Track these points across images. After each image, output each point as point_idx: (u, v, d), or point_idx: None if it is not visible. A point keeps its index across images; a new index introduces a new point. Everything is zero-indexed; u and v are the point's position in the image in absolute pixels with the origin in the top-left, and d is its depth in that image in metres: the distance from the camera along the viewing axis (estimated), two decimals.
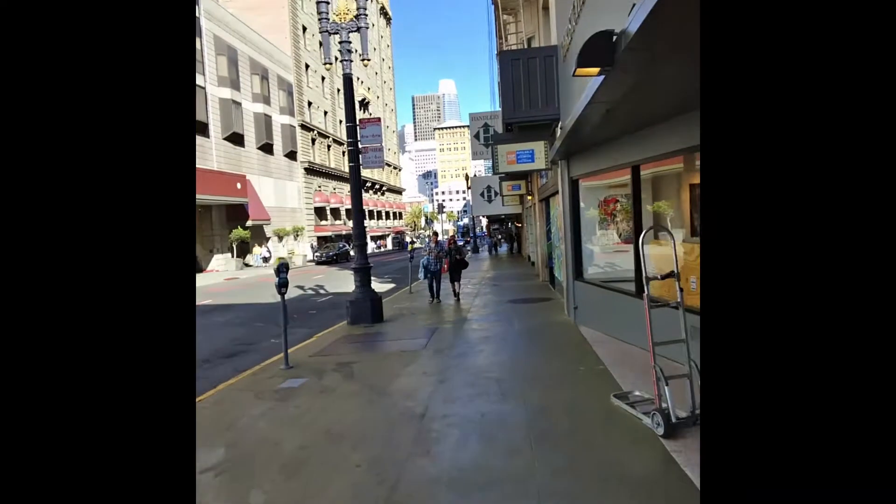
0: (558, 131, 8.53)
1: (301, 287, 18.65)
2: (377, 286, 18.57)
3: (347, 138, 9.81)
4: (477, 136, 22.12)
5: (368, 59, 10.61)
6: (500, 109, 9.79)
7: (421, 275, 12.18)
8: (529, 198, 17.61)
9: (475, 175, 37.19)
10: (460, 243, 28.18)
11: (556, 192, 10.61)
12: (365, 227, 10.02)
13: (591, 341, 6.83)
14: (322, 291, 17.07)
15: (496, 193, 24.36)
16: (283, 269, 6.60)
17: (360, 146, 9.90)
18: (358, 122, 9.88)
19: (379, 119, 10.20)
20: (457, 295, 12.02)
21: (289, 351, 7.55)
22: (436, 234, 13.52)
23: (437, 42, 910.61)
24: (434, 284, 11.86)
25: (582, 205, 8.36)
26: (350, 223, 51.99)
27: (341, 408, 4.89)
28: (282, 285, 6.58)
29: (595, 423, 4.06)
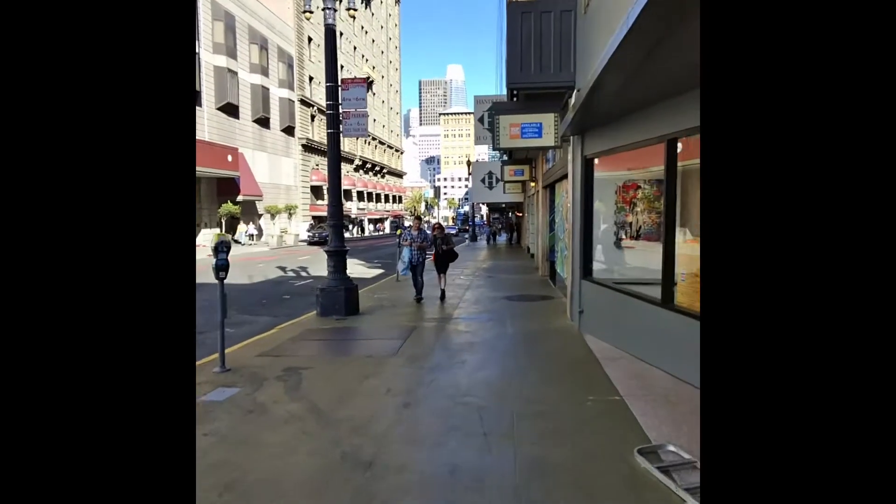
0: (571, 101, 7.19)
1: (282, 268, 17.38)
2: (364, 270, 17.34)
3: (327, 101, 8.43)
4: (481, 120, 20.67)
5: (355, 10, 9.21)
6: (506, 93, 8.44)
7: (405, 271, 9.71)
8: (532, 184, 16.26)
9: (477, 160, 35.75)
10: (452, 231, 26.43)
11: (564, 177, 9.28)
12: (342, 206, 8.69)
13: (599, 357, 5.54)
14: (303, 274, 15.79)
15: (497, 180, 23.01)
16: (222, 248, 5.28)
17: (340, 110, 8.54)
18: (340, 83, 8.50)
19: (364, 80, 8.81)
20: (442, 292, 9.94)
21: (237, 346, 6.34)
22: (419, 218, 10.32)
23: (447, 25, 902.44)
24: (419, 279, 9.73)
25: (595, 191, 7.03)
26: (347, 204, 50.93)
27: (266, 441, 3.61)
28: (220, 269, 5.27)
29: (616, 500, 2.77)
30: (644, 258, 6.38)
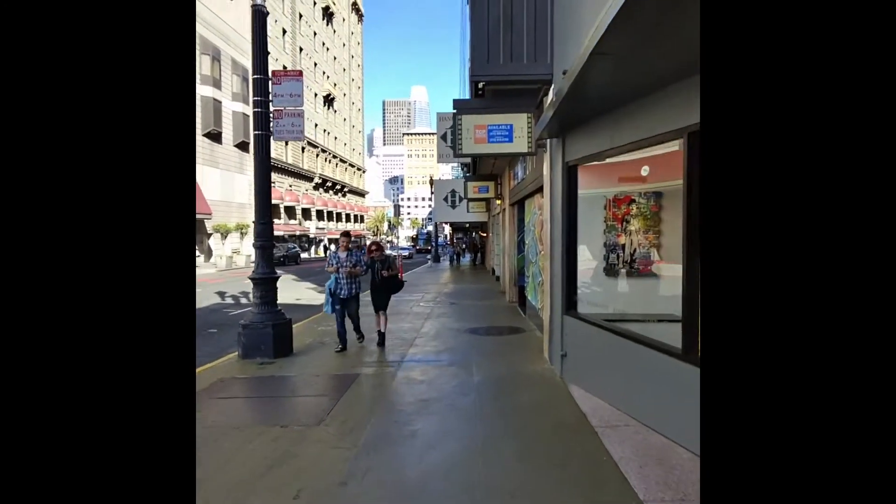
0: (548, 99, 5.96)
1: (222, 293, 15.56)
2: (314, 296, 15.59)
3: (253, 96, 6.97)
4: (444, 138, 19.61)
5: None
6: (469, 89, 7.19)
7: (327, 307, 7.22)
8: (498, 202, 15.05)
9: (440, 178, 34.60)
10: (405, 252, 23.49)
11: (537, 191, 8.04)
12: (272, 223, 7.17)
13: (595, 422, 4.18)
14: (244, 301, 14.05)
15: (461, 198, 21.78)
16: None
17: (270, 108, 7.08)
18: (271, 75, 7.06)
19: (300, 73, 7.34)
20: (381, 335, 7.40)
21: None
22: (347, 235, 7.37)
23: (412, 46, 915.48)
24: (354, 320, 7.31)
25: (579, 206, 5.75)
26: (306, 223, 48.94)
27: None
28: None
29: None
30: (645, 290, 5.13)
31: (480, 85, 6.38)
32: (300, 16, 47.83)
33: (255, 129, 6.94)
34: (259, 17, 6.91)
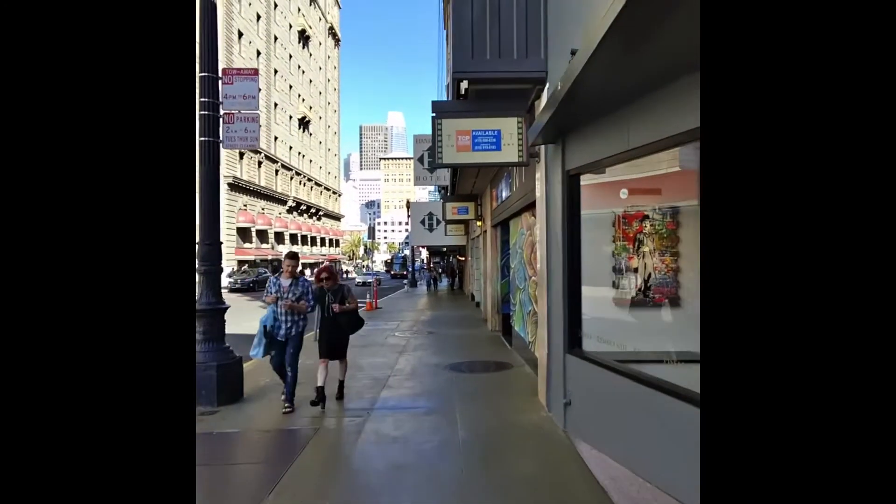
0: (542, 101, 5.14)
1: None
2: None
3: (200, 97, 6.00)
4: (421, 160, 18.97)
5: None
6: (450, 89, 6.36)
7: (257, 351, 5.43)
8: (479, 223, 14.20)
9: (416, 202, 33.88)
10: (370, 278, 19.16)
11: (525, 209, 7.19)
12: (220, 244, 6.13)
13: (616, 498, 3.22)
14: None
15: (438, 221, 20.94)
16: None
17: (220, 111, 6.10)
18: (221, 74, 6.11)
19: (255, 71, 6.36)
20: (338, 390, 5.81)
21: None
22: (293, 257, 5.66)
23: (389, 74, 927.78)
24: (290, 368, 5.43)
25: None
26: (279, 247, 47.44)
27: None
28: None
29: None
30: (666, 322, 4.26)
31: (464, 87, 5.53)
32: (275, 38, 47.14)
33: (201, 136, 5.94)
34: (208, 6, 5.99)
